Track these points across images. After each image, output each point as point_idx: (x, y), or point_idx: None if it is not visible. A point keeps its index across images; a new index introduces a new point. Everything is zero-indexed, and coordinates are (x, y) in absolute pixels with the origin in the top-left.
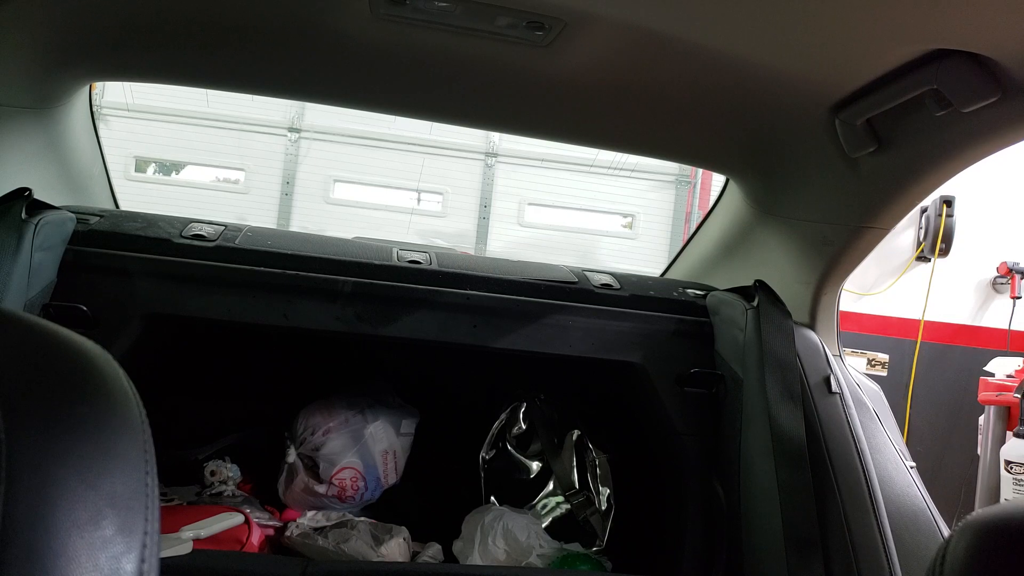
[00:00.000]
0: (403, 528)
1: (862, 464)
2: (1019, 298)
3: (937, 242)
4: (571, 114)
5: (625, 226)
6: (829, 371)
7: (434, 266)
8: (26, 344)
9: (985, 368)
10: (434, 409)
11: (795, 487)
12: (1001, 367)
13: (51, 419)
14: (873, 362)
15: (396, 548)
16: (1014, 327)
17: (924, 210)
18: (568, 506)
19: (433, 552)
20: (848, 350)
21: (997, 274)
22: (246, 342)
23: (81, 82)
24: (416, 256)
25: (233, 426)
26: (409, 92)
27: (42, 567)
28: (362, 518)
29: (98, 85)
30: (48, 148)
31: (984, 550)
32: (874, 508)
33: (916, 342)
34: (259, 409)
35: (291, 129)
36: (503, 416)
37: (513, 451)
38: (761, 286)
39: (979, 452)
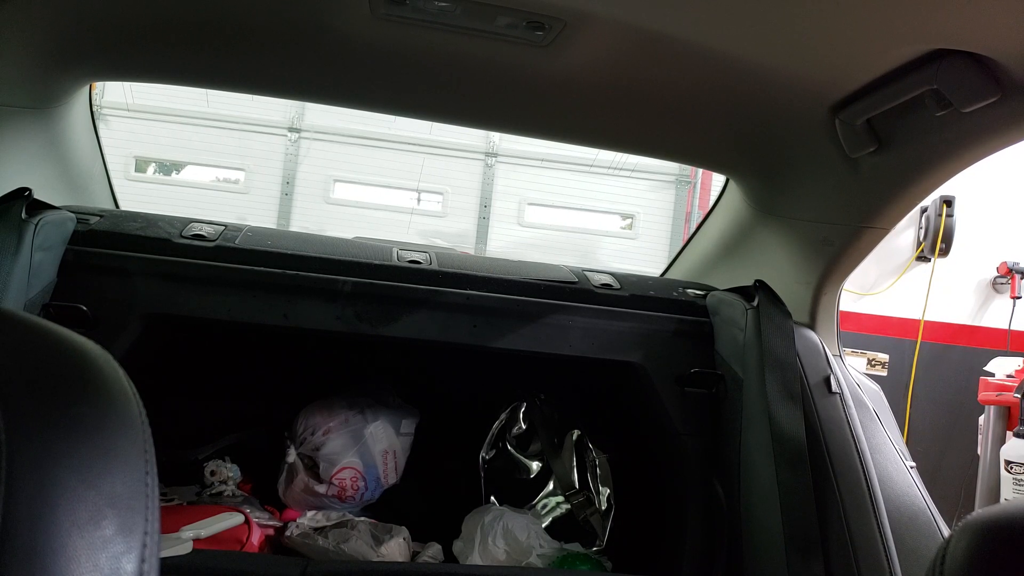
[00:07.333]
0: (403, 528)
1: (862, 464)
2: (1019, 298)
3: (937, 242)
4: (571, 114)
5: (625, 226)
6: (829, 371)
7: (434, 266)
8: (26, 344)
9: (985, 368)
10: (434, 409)
11: (795, 487)
12: (1001, 367)
13: (51, 419)
14: (873, 362)
15: (396, 548)
16: (1014, 327)
17: (924, 210)
18: (568, 506)
19: (433, 552)
20: (848, 350)
21: (997, 274)
22: (246, 342)
23: (81, 82)
24: (416, 256)
25: (233, 426)
26: (409, 92)
27: (42, 567)
28: (362, 518)
29: (98, 85)
30: (48, 148)
31: (984, 550)
32: (874, 508)
33: (916, 342)
34: (259, 409)
35: (291, 129)
36: (503, 416)
37: (513, 451)
38: (761, 286)
39: (979, 452)
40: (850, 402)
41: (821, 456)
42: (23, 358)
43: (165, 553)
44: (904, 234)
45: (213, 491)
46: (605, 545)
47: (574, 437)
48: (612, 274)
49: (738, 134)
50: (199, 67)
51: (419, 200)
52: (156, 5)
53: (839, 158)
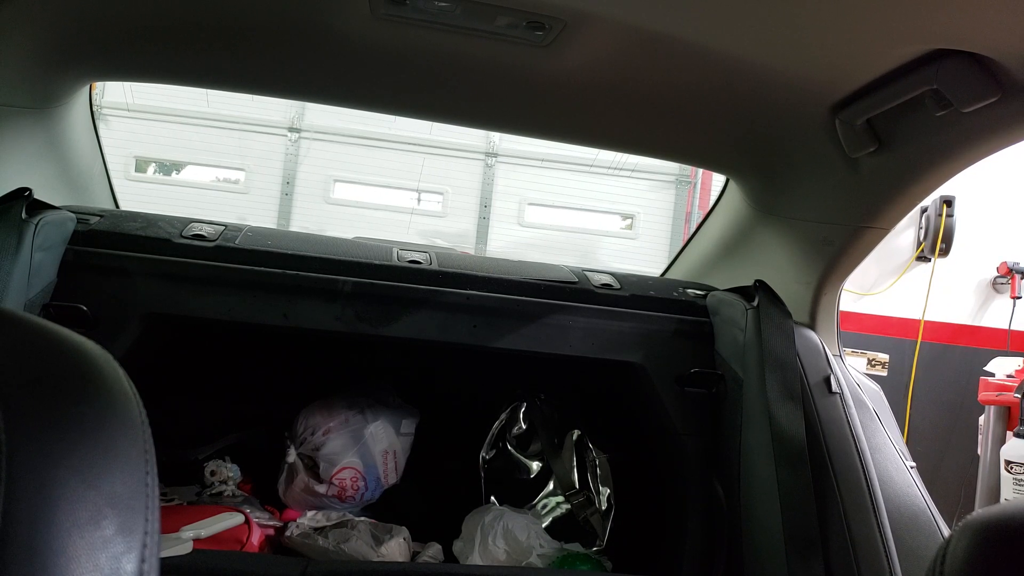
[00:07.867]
0: (403, 528)
1: (862, 464)
2: (1019, 298)
3: (937, 242)
4: (571, 114)
5: (625, 226)
6: (829, 371)
7: (434, 266)
8: (26, 344)
9: (985, 368)
10: (434, 409)
11: (795, 487)
12: (1001, 367)
13: (51, 419)
14: (873, 362)
15: (396, 548)
16: (1014, 327)
17: (924, 210)
18: (568, 506)
19: (433, 552)
20: (848, 350)
21: (997, 274)
22: (246, 342)
23: (81, 82)
24: (416, 256)
25: (233, 426)
26: (409, 92)
27: (42, 567)
28: (362, 518)
29: (98, 85)
30: (48, 148)
31: (984, 550)
32: (874, 508)
33: (916, 342)
34: (259, 409)
35: (291, 129)
36: (503, 416)
37: (513, 451)
38: (761, 286)
39: (979, 452)
40: (850, 402)
41: (821, 456)
42: (23, 358)
43: (165, 553)
44: (904, 234)
45: (213, 491)
46: (605, 545)
47: (574, 437)
48: (612, 274)
49: (738, 134)
50: (199, 67)
51: (419, 200)
52: (156, 5)
53: (839, 158)
